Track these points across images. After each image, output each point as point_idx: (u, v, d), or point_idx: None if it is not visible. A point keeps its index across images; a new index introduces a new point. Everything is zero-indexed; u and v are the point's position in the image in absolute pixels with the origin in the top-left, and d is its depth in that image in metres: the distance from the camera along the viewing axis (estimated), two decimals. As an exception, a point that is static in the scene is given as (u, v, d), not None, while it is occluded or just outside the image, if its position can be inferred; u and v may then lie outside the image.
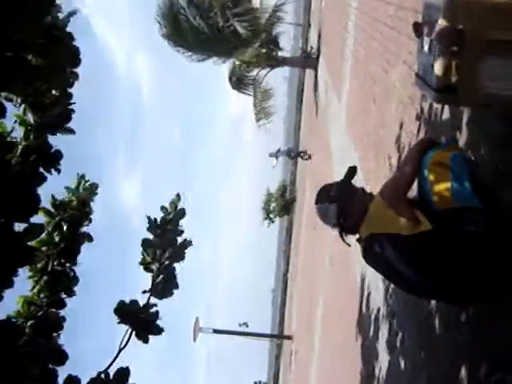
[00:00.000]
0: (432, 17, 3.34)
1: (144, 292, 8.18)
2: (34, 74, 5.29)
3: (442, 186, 3.27)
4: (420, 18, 3.69)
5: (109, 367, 7.17)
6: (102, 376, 6.90)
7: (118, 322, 7.76)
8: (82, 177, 7.97)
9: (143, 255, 8.45)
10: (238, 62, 27.49)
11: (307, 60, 28.99)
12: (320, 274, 16.54)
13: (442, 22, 3.15)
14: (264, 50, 26.84)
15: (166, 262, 8.56)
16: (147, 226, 8.81)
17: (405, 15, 7.48)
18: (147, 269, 8.45)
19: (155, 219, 8.93)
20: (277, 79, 31.33)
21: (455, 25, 3.10)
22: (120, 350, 7.48)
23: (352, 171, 3.69)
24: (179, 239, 9.05)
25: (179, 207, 9.20)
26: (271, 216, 43.87)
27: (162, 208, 9.08)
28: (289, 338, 33.23)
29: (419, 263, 3.22)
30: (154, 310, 8.02)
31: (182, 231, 9.16)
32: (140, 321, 7.68)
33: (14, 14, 4.13)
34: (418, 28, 3.50)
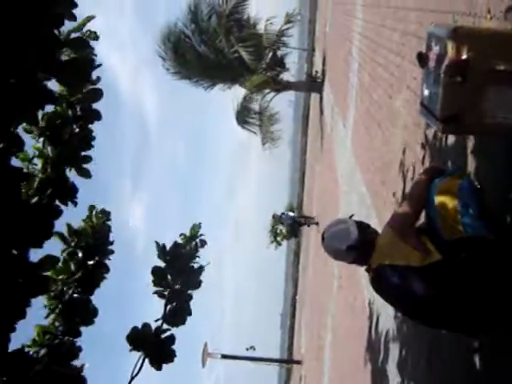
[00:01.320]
0: (436, 46, 3.38)
1: (157, 320, 8.14)
2: (46, 97, 5.34)
3: (450, 216, 3.28)
4: (424, 47, 3.73)
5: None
6: None
7: (130, 350, 7.70)
8: (92, 206, 8.02)
9: (154, 282, 8.42)
10: (244, 92, 27.62)
11: (312, 84, 29.16)
12: (328, 298, 16.47)
13: (445, 53, 3.18)
14: (269, 74, 27.00)
15: (178, 288, 8.51)
16: (157, 252, 8.77)
17: (408, 41, 7.55)
18: (161, 295, 8.40)
19: (164, 245, 8.90)
20: (283, 103, 31.46)
21: (459, 55, 3.13)
22: (132, 378, 7.41)
23: (364, 225, 3.68)
24: (194, 265, 9.00)
25: (199, 237, 9.14)
26: (278, 239, 43.78)
27: (181, 235, 9.03)
28: (298, 362, 32.98)
29: (429, 294, 3.22)
30: (168, 334, 7.95)
31: (197, 256, 9.07)
32: (153, 346, 7.62)
33: (24, 38, 4.18)
34: (421, 58, 3.53)
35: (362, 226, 3.58)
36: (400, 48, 8.06)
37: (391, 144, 8.19)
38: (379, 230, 3.61)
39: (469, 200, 3.30)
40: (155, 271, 8.50)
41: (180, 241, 8.98)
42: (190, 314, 8.59)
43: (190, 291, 8.67)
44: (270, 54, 27.20)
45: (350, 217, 3.81)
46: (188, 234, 9.03)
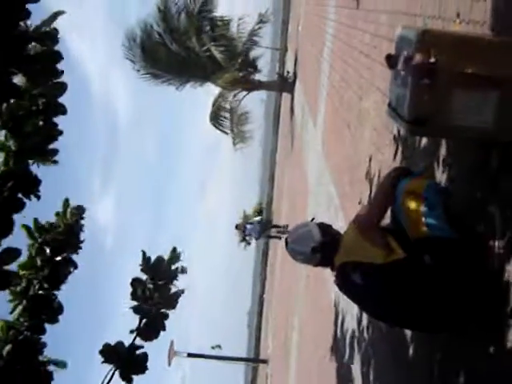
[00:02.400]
0: (405, 49, 3.40)
1: (131, 332, 8.05)
2: (11, 91, 5.26)
3: (416, 216, 3.32)
4: (393, 49, 3.76)
5: None
6: None
7: (102, 362, 7.61)
8: (67, 200, 7.92)
9: (132, 295, 8.30)
10: (216, 90, 27.54)
11: (284, 84, 29.20)
12: (295, 297, 16.53)
13: (414, 55, 3.21)
14: (241, 74, 26.98)
15: (155, 304, 8.42)
16: (140, 264, 8.62)
17: (379, 43, 7.60)
18: (137, 310, 8.31)
19: (149, 258, 8.77)
20: (254, 102, 31.44)
21: (427, 58, 3.16)
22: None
23: (326, 226, 3.70)
24: (172, 287, 8.89)
25: (180, 263, 9.04)
26: (247, 238, 43.76)
27: (160, 258, 8.93)
28: (264, 361, 33.04)
29: (390, 292, 3.25)
30: (141, 351, 7.87)
31: (176, 280, 8.96)
32: (127, 363, 7.56)
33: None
34: (390, 60, 3.56)
35: (324, 227, 3.61)
36: (370, 50, 8.11)
37: (360, 145, 8.24)
38: (347, 227, 3.64)
39: (434, 200, 3.34)
40: (135, 282, 8.35)
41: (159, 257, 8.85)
42: (164, 330, 8.54)
43: (165, 310, 8.58)
44: (242, 54, 27.19)
45: (312, 220, 3.84)
46: (168, 255, 8.93)
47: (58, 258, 7.30)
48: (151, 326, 7.96)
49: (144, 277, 8.50)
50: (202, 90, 28.90)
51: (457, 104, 3.18)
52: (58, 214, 7.60)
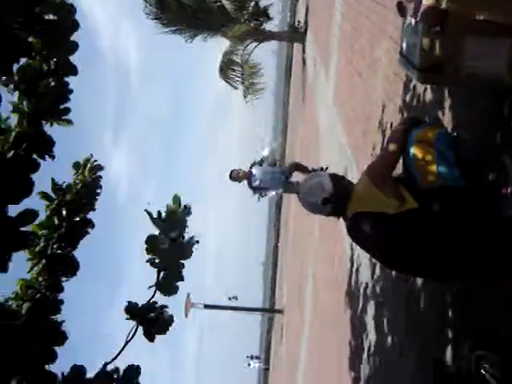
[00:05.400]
0: (416, -4, 3.36)
1: (150, 287, 8.13)
2: (22, 50, 5.25)
3: (427, 165, 3.32)
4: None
5: (115, 358, 7.14)
6: (108, 369, 6.88)
7: (127, 318, 7.71)
8: (87, 160, 7.92)
9: (147, 250, 8.37)
10: (226, 43, 27.18)
11: (295, 34, 28.81)
12: (310, 247, 16.65)
13: (425, 2, 3.17)
14: (251, 25, 26.63)
15: (171, 256, 8.48)
16: (151, 218, 8.65)
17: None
18: (153, 263, 8.38)
19: (159, 212, 8.81)
20: (265, 53, 31.07)
21: (438, 4, 3.12)
22: (127, 343, 7.45)
23: (338, 176, 3.69)
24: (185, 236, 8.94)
25: (183, 205, 9.07)
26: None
27: (167, 207, 8.95)
28: (280, 311, 33.45)
29: (402, 241, 3.28)
30: (168, 314, 7.92)
31: (186, 226, 9.01)
32: (150, 323, 7.65)
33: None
34: (401, 7, 3.52)
35: (336, 178, 3.61)
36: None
37: (372, 94, 8.18)
38: (359, 178, 3.65)
39: (445, 149, 3.33)
40: (150, 239, 8.42)
41: (164, 212, 8.89)
42: (182, 280, 8.63)
43: (182, 261, 8.66)
44: (253, 4, 26.80)
45: (326, 169, 3.85)
46: (172, 205, 8.97)
47: (76, 219, 7.35)
48: (169, 278, 8.05)
49: (156, 232, 8.60)
50: (212, 42, 28.58)
51: (468, 51, 3.15)
52: (76, 166, 7.58)
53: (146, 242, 8.34)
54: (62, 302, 7.23)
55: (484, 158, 3.85)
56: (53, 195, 7.39)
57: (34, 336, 5.85)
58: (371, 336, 6.95)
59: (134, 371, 6.96)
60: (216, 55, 27.91)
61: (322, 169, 10.43)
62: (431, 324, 4.60)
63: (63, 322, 6.84)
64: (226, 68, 27.24)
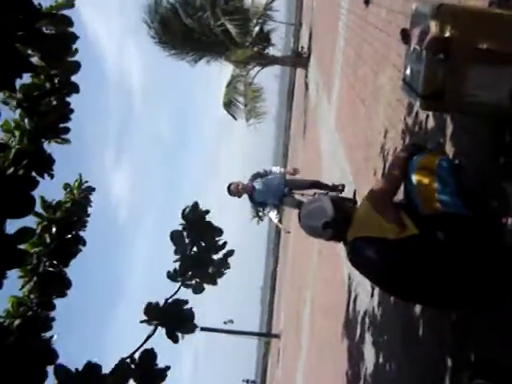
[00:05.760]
0: (420, 24, 3.38)
1: (168, 276, 7.91)
2: (24, 65, 5.27)
3: (429, 192, 3.32)
4: (408, 24, 3.73)
5: (134, 353, 6.94)
6: (128, 361, 6.69)
7: (141, 321, 7.52)
8: (80, 176, 7.97)
9: (176, 250, 8.23)
10: (230, 67, 27.37)
11: (298, 59, 29.03)
12: (308, 272, 16.59)
13: (428, 30, 3.19)
14: (255, 49, 26.84)
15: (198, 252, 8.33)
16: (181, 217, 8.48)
17: (394, 18, 7.54)
18: (179, 259, 8.22)
19: (184, 209, 8.63)
20: (268, 77, 31.25)
21: (442, 32, 3.14)
22: (148, 337, 7.24)
23: (339, 200, 3.68)
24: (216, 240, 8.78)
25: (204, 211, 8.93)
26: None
27: (183, 211, 8.85)
28: (277, 336, 33.28)
29: (404, 267, 3.27)
30: (187, 307, 7.74)
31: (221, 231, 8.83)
32: (172, 319, 7.47)
33: None
34: (405, 34, 3.54)
35: (337, 202, 3.61)
36: (386, 25, 8.04)
37: (374, 121, 8.21)
38: (360, 203, 3.64)
39: (447, 177, 3.33)
40: (174, 235, 8.25)
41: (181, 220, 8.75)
42: (215, 284, 8.48)
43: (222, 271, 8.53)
44: (257, 29, 27.03)
45: (326, 194, 3.84)
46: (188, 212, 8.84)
47: (68, 236, 7.35)
48: (197, 273, 8.00)
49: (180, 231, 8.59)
50: (215, 65, 28.80)
51: (472, 79, 3.16)
52: (66, 187, 7.63)
53: (172, 239, 8.22)
54: (53, 319, 7.20)
55: (485, 185, 3.85)
56: (43, 213, 7.41)
57: (23, 355, 5.80)
58: (368, 363, 6.90)
59: (150, 355, 6.75)
60: (220, 77, 28.10)
61: (341, 186, 10.10)
62: (430, 352, 4.56)
63: (52, 337, 6.79)
64: (230, 92, 27.38)
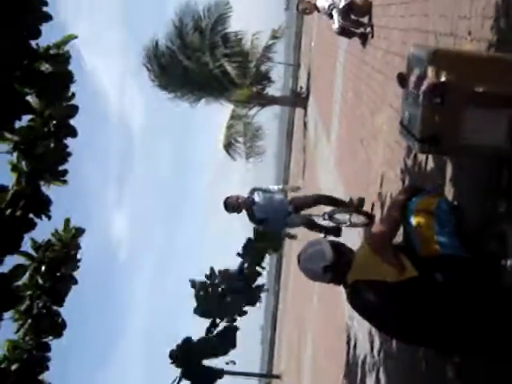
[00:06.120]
0: (416, 68, 3.43)
1: (208, 333, 8.06)
2: (23, 107, 5.33)
3: (428, 234, 3.32)
4: (405, 66, 3.78)
5: None
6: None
7: (173, 363, 7.62)
8: (68, 220, 8.03)
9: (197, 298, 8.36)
10: (229, 107, 27.62)
11: (297, 99, 29.28)
12: (309, 312, 16.48)
13: (425, 75, 3.23)
14: (254, 89, 27.08)
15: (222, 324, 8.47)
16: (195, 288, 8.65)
17: (391, 59, 7.63)
18: (204, 313, 8.38)
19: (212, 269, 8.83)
20: (268, 117, 31.48)
21: (438, 77, 3.17)
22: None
23: (339, 244, 3.68)
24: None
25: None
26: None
27: (207, 275, 9.03)
28: (277, 377, 32.89)
29: (404, 310, 3.25)
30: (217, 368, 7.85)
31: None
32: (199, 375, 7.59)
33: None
34: (402, 79, 3.58)
35: (337, 246, 3.60)
36: (383, 66, 8.13)
37: (373, 161, 8.24)
38: (359, 245, 3.64)
39: (446, 219, 3.34)
40: (196, 284, 8.44)
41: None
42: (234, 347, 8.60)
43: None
44: (256, 69, 27.32)
45: (324, 236, 3.84)
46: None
47: (57, 274, 7.39)
48: (226, 335, 8.11)
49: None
50: (215, 106, 29.04)
51: (468, 122, 3.19)
52: (54, 233, 7.72)
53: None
54: (48, 359, 7.18)
55: (484, 227, 3.84)
56: (34, 254, 7.44)
57: None
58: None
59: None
60: (219, 117, 28.31)
61: (358, 200, 8.51)
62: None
63: (43, 381, 6.80)
64: (229, 138, 27.56)
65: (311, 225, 8.64)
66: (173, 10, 27.61)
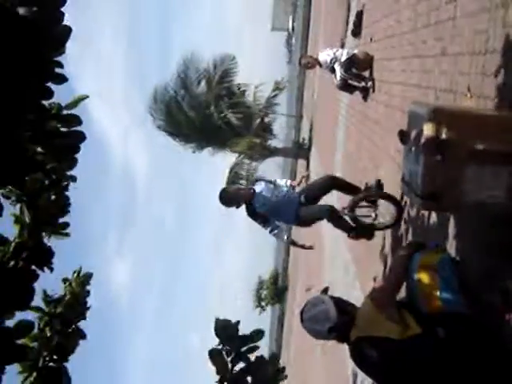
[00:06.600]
0: (417, 125, 3.47)
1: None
2: (32, 166, 5.40)
3: (431, 291, 3.32)
4: (406, 119, 3.83)
5: None
6: None
7: None
8: (80, 269, 8.03)
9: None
10: (232, 158, 27.85)
11: (299, 150, 29.50)
12: (312, 365, 16.25)
13: (425, 132, 3.27)
14: (257, 140, 27.30)
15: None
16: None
17: (392, 114, 7.71)
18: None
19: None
20: (270, 168, 31.63)
21: (439, 134, 3.22)
22: None
23: (342, 301, 3.67)
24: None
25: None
26: (263, 304, 43.39)
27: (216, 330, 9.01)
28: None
29: (407, 367, 3.22)
30: None
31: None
32: None
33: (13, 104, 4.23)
34: (403, 135, 3.63)
35: (340, 304, 3.59)
36: (384, 120, 8.22)
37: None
38: (362, 301, 3.63)
39: (449, 275, 3.34)
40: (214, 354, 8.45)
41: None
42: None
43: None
44: (259, 120, 27.60)
45: (325, 290, 3.82)
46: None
47: (69, 330, 7.35)
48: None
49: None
50: (218, 155, 29.23)
51: (469, 180, 3.21)
52: (65, 281, 7.71)
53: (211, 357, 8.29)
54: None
55: (487, 282, 3.83)
56: (44, 307, 7.41)
57: None
58: None
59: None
60: (223, 165, 28.47)
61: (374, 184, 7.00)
62: None
63: None
64: (232, 178, 27.69)
65: (336, 218, 7.01)
66: (176, 61, 28.09)
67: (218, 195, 7.34)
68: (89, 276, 8.26)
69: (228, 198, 7.41)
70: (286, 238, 8.05)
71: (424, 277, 3.37)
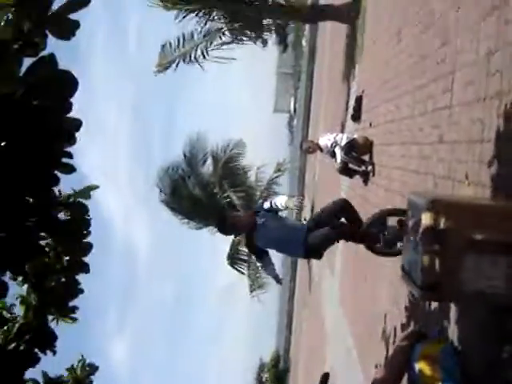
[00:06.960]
0: (415, 215, 3.51)
1: None
2: (37, 251, 5.41)
3: (432, 381, 3.28)
4: (405, 204, 3.87)
5: None
6: None
7: None
8: (82, 357, 7.91)
9: None
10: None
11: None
12: None
13: (424, 221, 3.30)
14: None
15: None
16: None
17: (392, 198, 7.78)
18: None
19: None
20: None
21: (437, 224, 3.25)
22: None
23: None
24: None
25: None
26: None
27: None
28: None
29: None
30: None
31: None
32: None
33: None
34: (402, 225, 3.67)
35: None
36: (384, 204, 8.28)
37: (377, 298, 8.20)
38: None
39: (450, 366, 3.32)
40: None
41: None
42: None
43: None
44: (261, 201, 27.75)
45: (325, 376, 3.78)
46: None
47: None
48: None
49: None
50: (219, 234, 29.15)
51: (468, 270, 3.22)
52: (70, 368, 7.56)
53: None
54: None
55: (489, 373, 3.79)
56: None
57: None
58: None
59: None
60: (224, 246, 28.47)
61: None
62: None
63: None
64: (234, 259, 27.64)
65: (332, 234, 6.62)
66: (180, 139, 28.56)
67: (216, 222, 6.84)
68: (94, 368, 8.13)
69: (227, 225, 7.04)
70: (278, 275, 7.56)
71: (425, 367, 3.34)
